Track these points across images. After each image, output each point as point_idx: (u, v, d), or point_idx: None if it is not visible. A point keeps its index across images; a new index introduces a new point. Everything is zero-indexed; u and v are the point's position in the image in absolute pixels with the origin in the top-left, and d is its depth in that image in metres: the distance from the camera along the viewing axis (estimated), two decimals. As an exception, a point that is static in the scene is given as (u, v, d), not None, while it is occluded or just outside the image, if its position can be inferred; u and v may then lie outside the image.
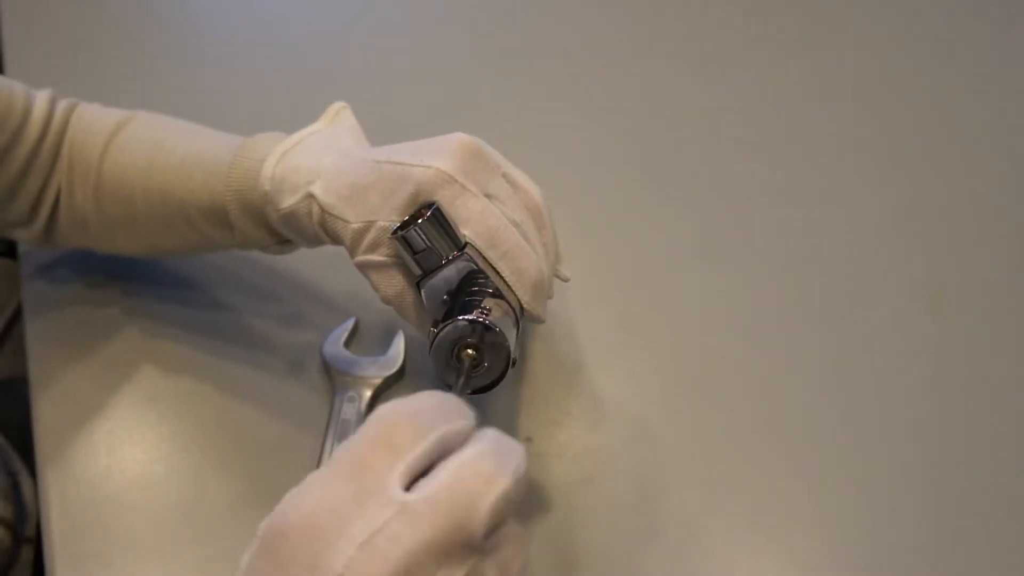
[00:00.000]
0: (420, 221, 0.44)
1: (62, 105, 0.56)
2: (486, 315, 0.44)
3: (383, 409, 0.34)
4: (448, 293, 0.46)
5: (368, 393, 0.54)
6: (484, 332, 0.44)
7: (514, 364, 0.45)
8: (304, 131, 0.51)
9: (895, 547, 0.50)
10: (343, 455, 0.33)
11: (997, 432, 0.55)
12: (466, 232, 0.45)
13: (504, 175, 0.48)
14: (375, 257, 0.47)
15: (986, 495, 0.52)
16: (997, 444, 0.55)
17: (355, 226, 0.46)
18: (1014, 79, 0.80)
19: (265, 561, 0.32)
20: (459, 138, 0.47)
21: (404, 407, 0.34)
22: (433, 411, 0.34)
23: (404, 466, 0.32)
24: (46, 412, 0.55)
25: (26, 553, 0.59)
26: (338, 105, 0.53)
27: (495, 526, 0.32)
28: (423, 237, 0.44)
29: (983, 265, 0.65)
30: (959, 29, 0.85)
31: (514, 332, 0.45)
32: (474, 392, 0.45)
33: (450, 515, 0.31)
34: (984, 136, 0.75)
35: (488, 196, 0.46)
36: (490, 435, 0.35)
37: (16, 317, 0.79)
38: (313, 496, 0.32)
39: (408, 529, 0.31)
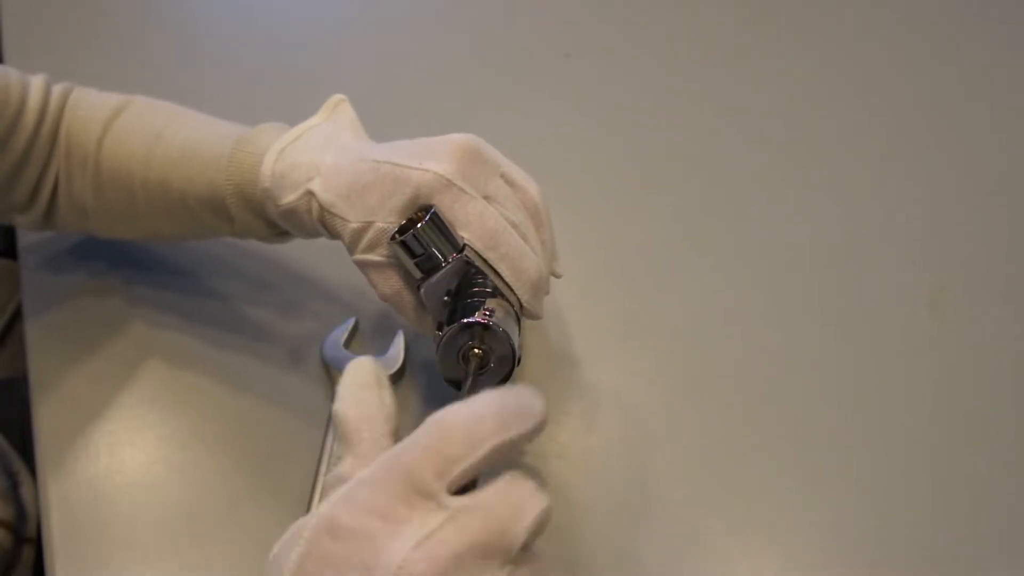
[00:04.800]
0: (419, 226, 0.44)
1: (57, 90, 0.56)
2: (490, 316, 0.44)
3: (440, 417, 0.34)
4: (448, 294, 0.46)
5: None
6: (489, 334, 0.44)
7: (519, 363, 0.45)
8: (303, 125, 0.51)
9: (895, 546, 0.50)
10: (395, 461, 0.34)
11: (997, 432, 0.55)
12: (465, 235, 0.45)
13: (502, 174, 0.48)
14: (373, 257, 0.47)
15: (986, 495, 0.52)
16: (997, 444, 0.54)
17: (354, 225, 0.46)
18: (1014, 79, 0.80)
19: (317, 563, 0.32)
20: (457, 139, 0.47)
21: (461, 417, 0.34)
22: (489, 421, 0.34)
23: (454, 476, 0.33)
24: (46, 412, 0.55)
25: (27, 553, 0.59)
26: (337, 98, 0.53)
27: (532, 540, 0.33)
28: (421, 242, 0.45)
29: (983, 265, 0.65)
30: (959, 28, 0.85)
31: (516, 331, 0.46)
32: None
33: (498, 520, 0.33)
34: (984, 135, 0.75)
35: (486, 197, 0.46)
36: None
37: (16, 317, 0.79)
38: (364, 500, 0.33)
39: (457, 533, 0.32)
